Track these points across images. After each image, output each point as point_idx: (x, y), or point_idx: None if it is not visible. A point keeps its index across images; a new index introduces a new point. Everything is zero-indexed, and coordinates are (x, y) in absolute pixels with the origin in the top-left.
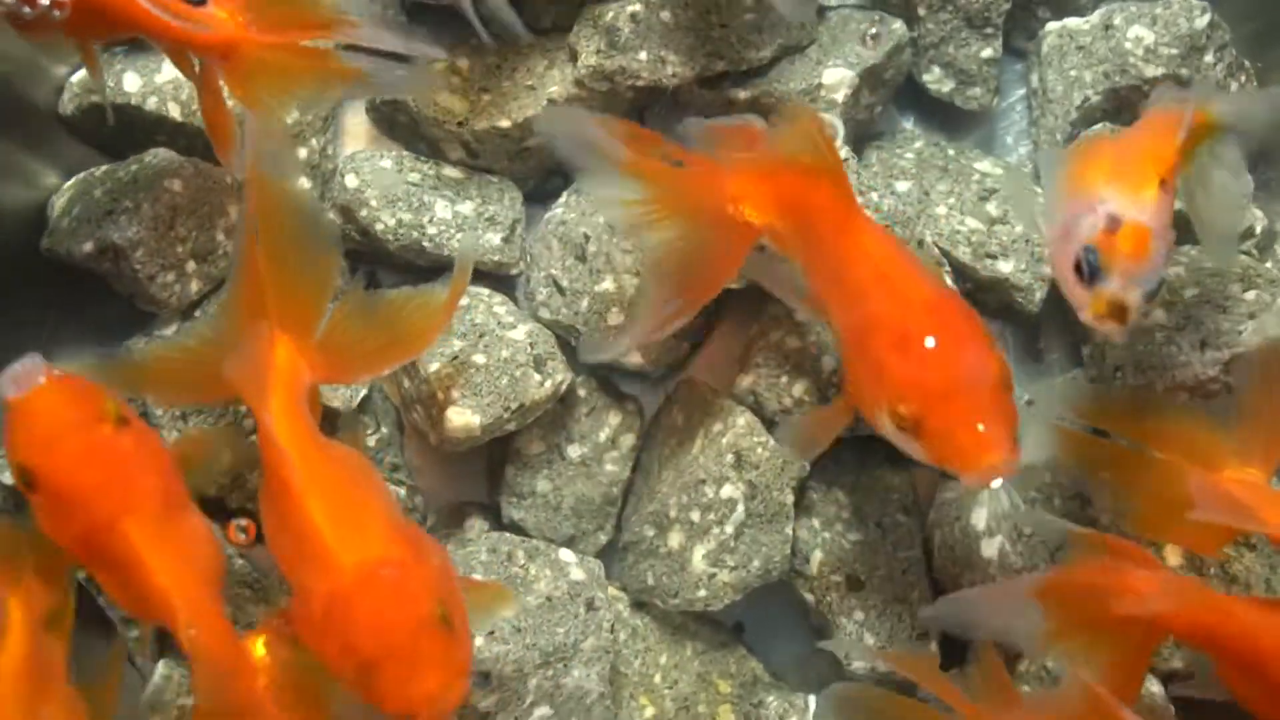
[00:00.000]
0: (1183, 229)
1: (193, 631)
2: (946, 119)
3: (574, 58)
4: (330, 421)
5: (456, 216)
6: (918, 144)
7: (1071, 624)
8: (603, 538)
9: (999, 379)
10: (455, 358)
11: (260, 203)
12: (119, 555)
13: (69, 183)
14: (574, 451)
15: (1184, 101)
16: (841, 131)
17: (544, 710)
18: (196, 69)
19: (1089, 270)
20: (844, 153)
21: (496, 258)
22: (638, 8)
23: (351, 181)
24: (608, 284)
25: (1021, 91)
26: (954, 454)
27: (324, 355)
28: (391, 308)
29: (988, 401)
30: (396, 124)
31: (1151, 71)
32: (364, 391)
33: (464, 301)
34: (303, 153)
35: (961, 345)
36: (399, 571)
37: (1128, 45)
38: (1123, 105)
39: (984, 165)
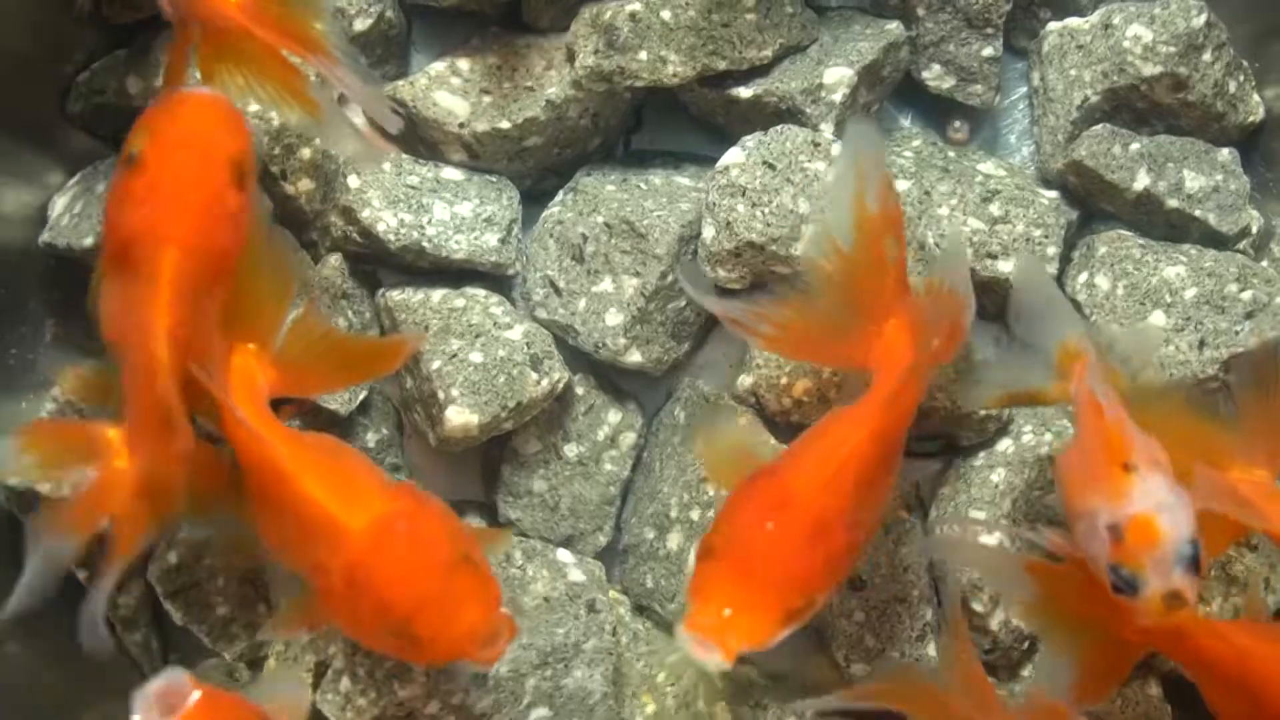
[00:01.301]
0: (1182, 229)
1: None
2: (947, 119)
3: (571, 58)
4: (333, 423)
5: (455, 218)
6: (916, 142)
7: (1058, 608)
8: (601, 539)
9: None
10: (454, 356)
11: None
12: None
13: (73, 179)
14: (571, 451)
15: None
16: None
17: (542, 711)
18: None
19: (1128, 587)
20: (835, 148)
21: (493, 258)
22: (637, 7)
23: (354, 182)
24: (605, 284)
25: (1022, 90)
26: None
27: (280, 368)
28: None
29: None
30: None
31: (1150, 70)
32: (363, 394)
33: (460, 303)
34: (305, 153)
35: None
36: (410, 522)
37: (1126, 44)
38: (1121, 104)
39: (986, 166)
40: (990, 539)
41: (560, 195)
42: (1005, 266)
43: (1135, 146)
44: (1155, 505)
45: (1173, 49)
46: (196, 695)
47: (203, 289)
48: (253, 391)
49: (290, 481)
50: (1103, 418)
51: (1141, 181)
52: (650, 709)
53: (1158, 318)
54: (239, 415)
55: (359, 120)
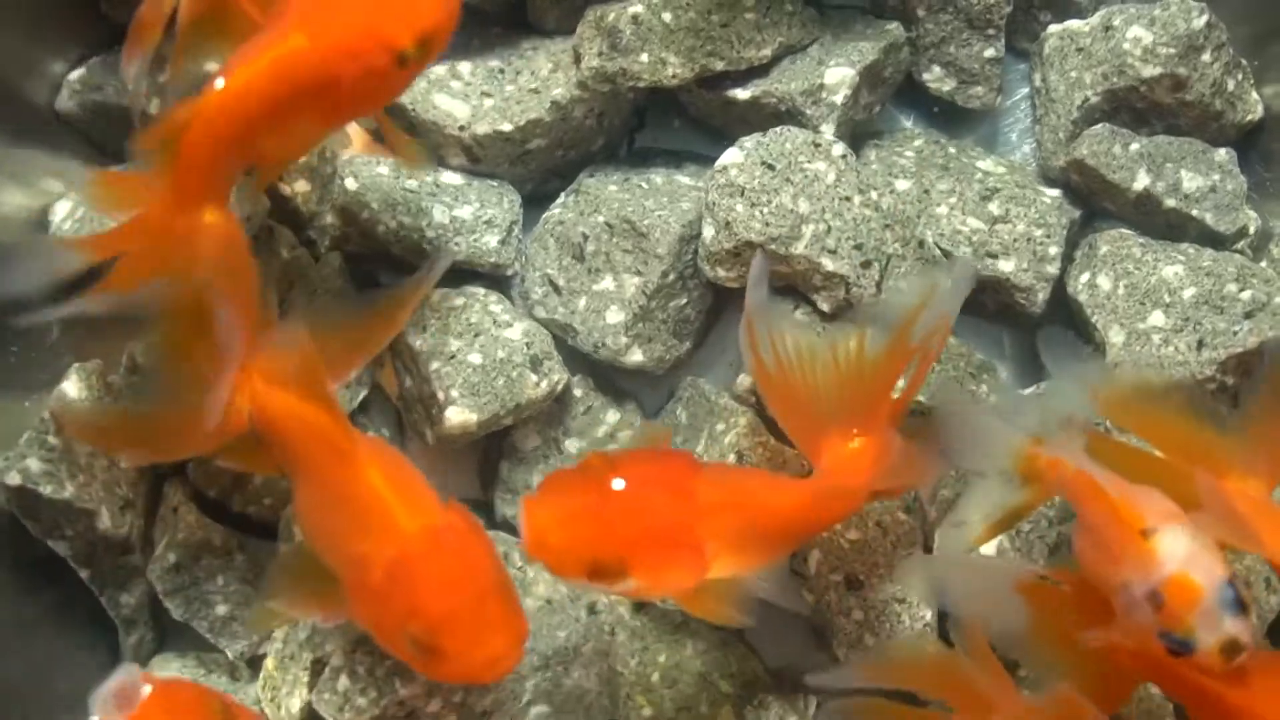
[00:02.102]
0: (1180, 228)
1: None
2: (948, 119)
3: (578, 60)
4: None
5: (454, 221)
6: (917, 142)
7: (1053, 633)
8: None
9: None
10: (453, 357)
11: None
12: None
13: None
14: (572, 446)
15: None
16: None
17: (541, 709)
18: None
19: (1184, 649)
20: (841, 149)
21: (493, 259)
22: (639, 9)
23: (351, 185)
24: (606, 283)
25: (1024, 91)
26: None
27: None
28: (336, 314)
29: None
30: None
31: (1149, 72)
32: (364, 393)
33: (459, 301)
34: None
35: None
36: (461, 538)
37: (1126, 46)
38: (1121, 105)
39: (986, 164)
40: (990, 544)
41: (562, 197)
42: (1006, 266)
43: (1135, 146)
44: (1184, 561)
45: (1172, 50)
46: (148, 689)
47: None
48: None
49: (358, 469)
50: (1103, 496)
51: (1141, 181)
52: (646, 712)
53: (1157, 318)
54: (322, 395)
55: None
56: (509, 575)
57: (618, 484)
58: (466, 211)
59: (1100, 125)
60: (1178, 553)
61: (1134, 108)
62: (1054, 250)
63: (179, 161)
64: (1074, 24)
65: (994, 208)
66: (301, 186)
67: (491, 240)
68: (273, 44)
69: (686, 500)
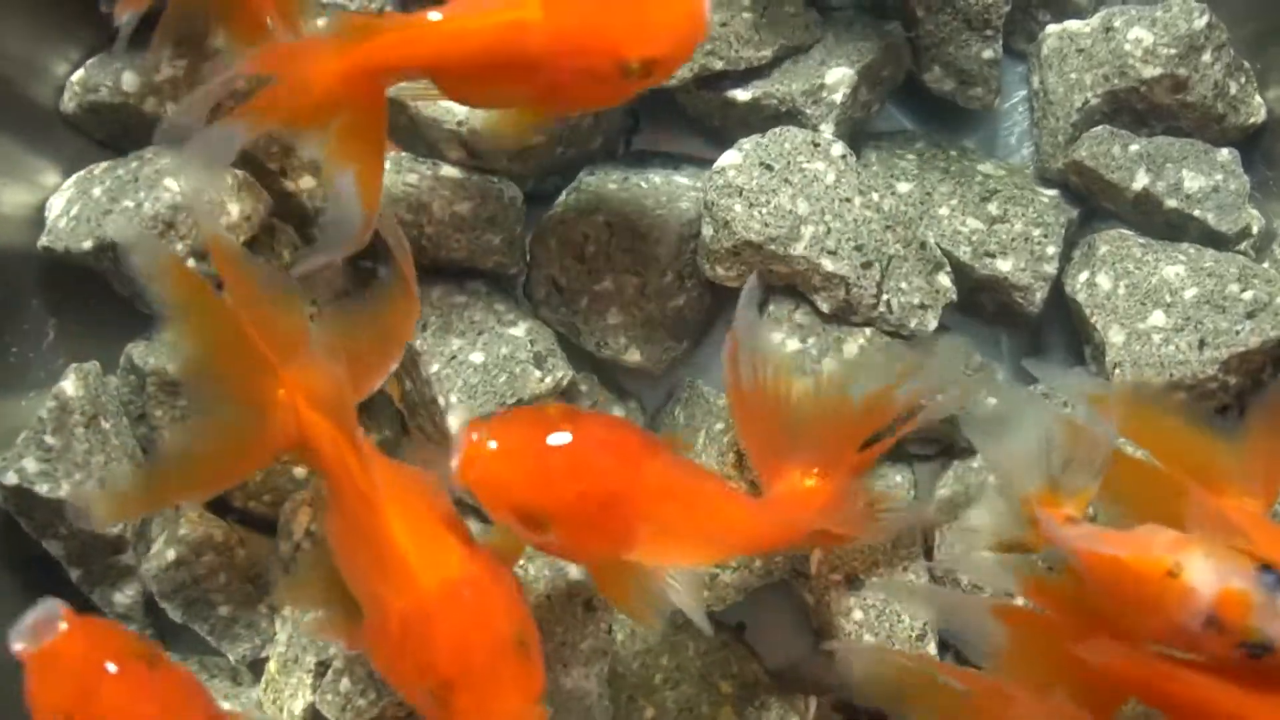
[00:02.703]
0: (1180, 228)
1: None
2: (948, 119)
3: None
4: None
5: (454, 217)
6: (919, 144)
7: (1032, 654)
8: None
9: None
10: (453, 358)
11: (225, 269)
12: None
13: (68, 181)
14: None
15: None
16: None
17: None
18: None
19: (1264, 650)
20: (840, 148)
21: (496, 257)
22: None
23: None
24: (607, 283)
25: (1023, 93)
26: None
27: (331, 364)
28: (361, 311)
29: None
30: (395, 125)
31: (1150, 72)
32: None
33: (461, 299)
34: (304, 153)
35: None
36: (479, 592)
37: (1127, 47)
38: (1121, 107)
39: (986, 166)
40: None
41: (563, 195)
42: (1004, 265)
43: (1135, 147)
44: (1219, 578)
45: (1173, 51)
46: (64, 626)
47: None
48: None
49: (376, 515)
50: (1110, 560)
51: (1141, 181)
52: (649, 713)
53: (1157, 318)
54: (335, 443)
55: None
56: (532, 626)
57: (567, 437)
58: (466, 208)
59: (1100, 127)
60: (1209, 574)
61: (1134, 109)
62: (1051, 250)
63: (363, 55)
64: (1073, 24)
65: (993, 208)
66: (307, 182)
67: (494, 239)
68: (510, 6)
69: (632, 475)
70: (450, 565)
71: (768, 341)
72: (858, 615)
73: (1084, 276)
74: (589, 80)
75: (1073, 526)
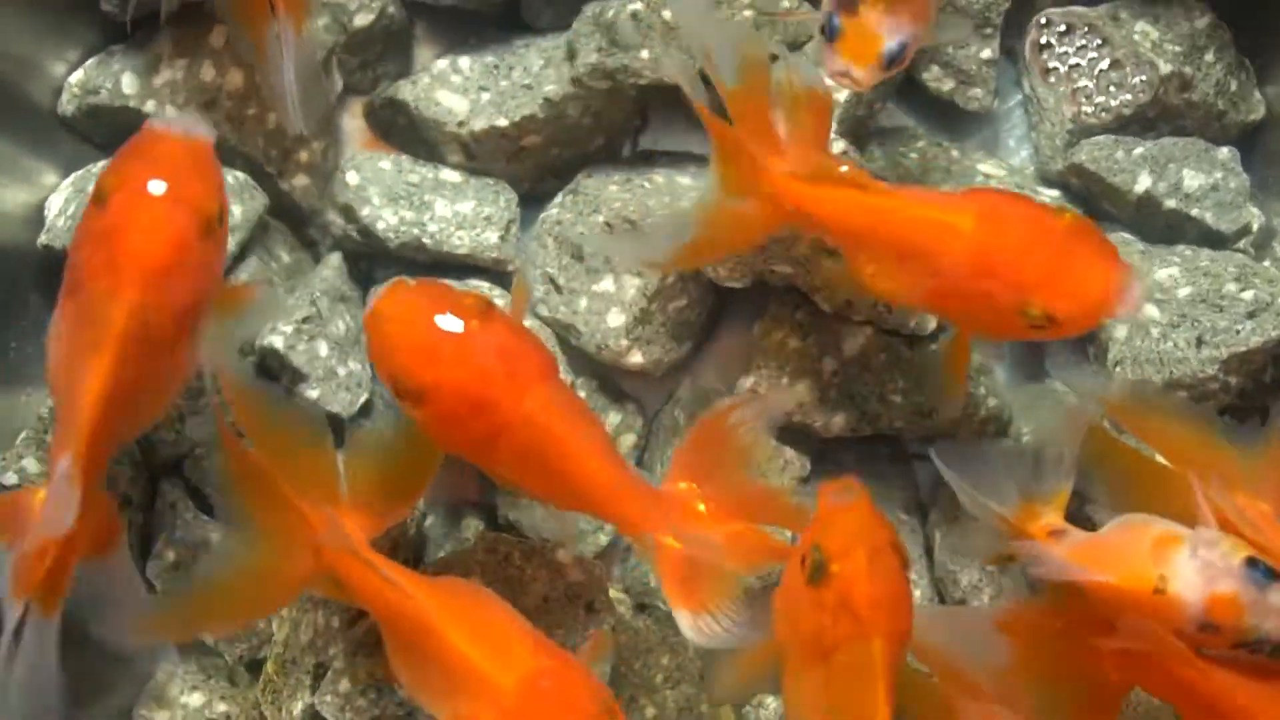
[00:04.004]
0: (1178, 229)
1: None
2: (948, 119)
3: (571, 56)
4: (334, 424)
5: (456, 215)
6: (920, 144)
7: (1038, 662)
8: (603, 538)
9: None
10: None
11: (240, 407)
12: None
13: (66, 180)
14: None
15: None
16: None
17: None
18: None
19: (1263, 645)
20: (841, 146)
21: (494, 254)
22: (639, 6)
23: (353, 179)
24: (607, 284)
25: (1020, 95)
26: None
27: (361, 511)
28: (392, 435)
29: None
30: (395, 126)
31: (1161, 69)
32: (365, 396)
33: None
34: (303, 155)
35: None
36: (557, 679)
37: (1136, 39)
38: None
39: (987, 167)
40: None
41: (560, 197)
42: None
43: (1139, 151)
44: (1205, 583)
45: (1177, 49)
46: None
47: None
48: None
49: (438, 635)
50: (1096, 585)
51: (1143, 184)
52: (650, 712)
53: (1151, 312)
54: (385, 573)
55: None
56: (609, 695)
57: (467, 326)
58: (467, 207)
59: (1103, 136)
60: (1195, 583)
61: None
62: None
63: (798, 194)
64: (1078, 8)
65: None
66: (301, 180)
67: (492, 236)
68: (947, 207)
69: (513, 391)
70: (521, 661)
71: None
72: None
73: None
74: (985, 303)
75: (1055, 545)
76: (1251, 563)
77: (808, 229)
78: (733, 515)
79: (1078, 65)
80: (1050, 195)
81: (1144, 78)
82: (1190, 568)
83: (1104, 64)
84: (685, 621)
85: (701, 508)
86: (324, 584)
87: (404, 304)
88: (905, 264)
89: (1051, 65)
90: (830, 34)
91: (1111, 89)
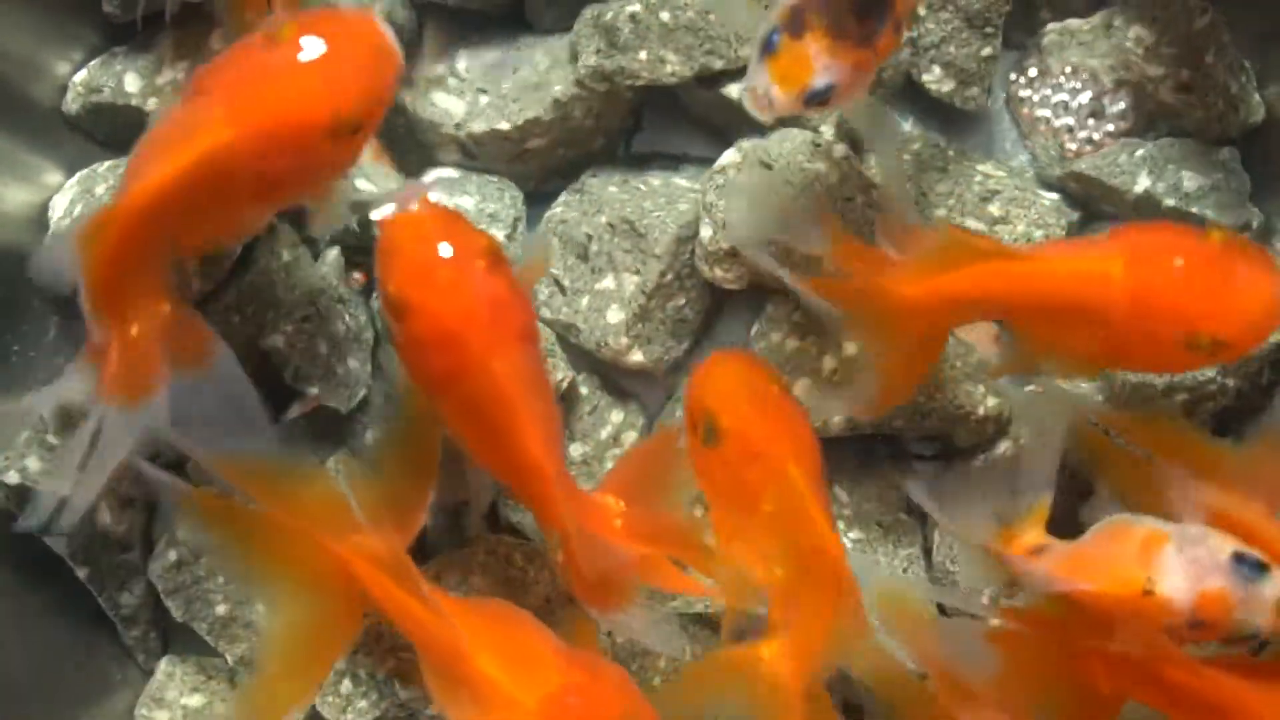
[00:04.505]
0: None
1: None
2: (946, 121)
3: (574, 58)
4: (333, 423)
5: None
6: (916, 145)
7: (1026, 676)
8: None
9: None
10: None
11: (241, 481)
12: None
13: (71, 180)
14: (575, 450)
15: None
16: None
17: None
18: None
19: (1253, 640)
20: (841, 149)
21: None
22: (637, 7)
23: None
24: (608, 281)
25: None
26: None
27: (382, 531)
28: (387, 450)
29: None
30: (392, 128)
31: (1153, 71)
32: (363, 391)
33: None
34: None
35: None
36: (585, 696)
37: (1129, 45)
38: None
39: (986, 168)
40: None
41: (564, 196)
42: None
43: (1140, 153)
44: (1193, 583)
45: (1175, 50)
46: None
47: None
48: (400, 568)
49: (464, 657)
50: (1092, 595)
51: (1143, 184)
52: None
53: None
54: (414, 599)
55: None
56: (640, 700)
57: (473, 262)
58: (468, 203)
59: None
60: (1182, 583)
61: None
62: None
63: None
64: (1073, 23)
65: (994, 209)
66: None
67: (498, 235)
68: (1092, 256)
69: (486, 342)
70: (547, 679)
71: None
72: None
73: None
74: (1152, 344)
75: (1040, 560)
76: (1239, 557)
77: (969, 316)
78: (644, 539)
79: (1062, 103)
80: (1050, 198)
81: (1123, 105)
82: (1177, 566)
83: (1084, 97)
84: (596, 614)
85: (618, 524)
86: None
87: (423, 221)
88: (1069, 327)
89: (1040, 114)
90: (767, 48)
91: (1092, 121)
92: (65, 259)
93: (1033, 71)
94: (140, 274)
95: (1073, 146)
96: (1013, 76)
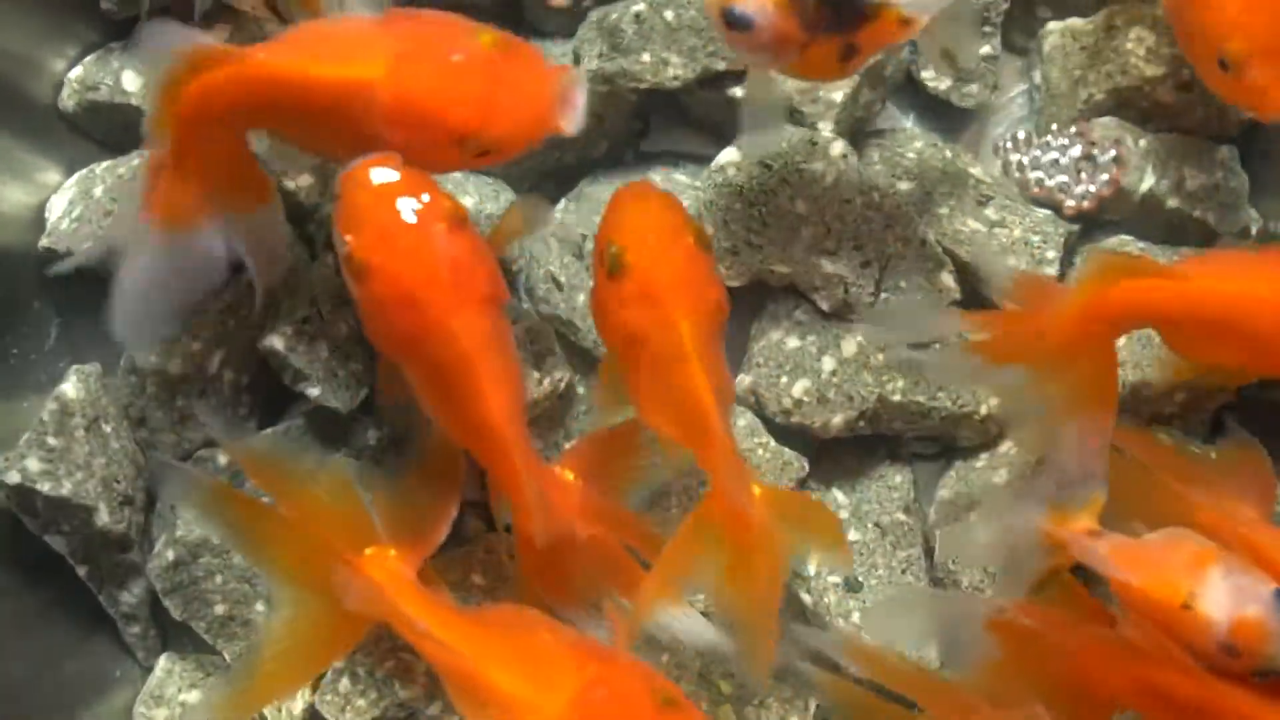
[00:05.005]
0: (1181, 229)
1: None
2: (943, 117)
3: (576, 62)
4: (334, 422)
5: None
6: (918, 143)
7: (1023, 669)
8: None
9: None
10: None
11: (258, 475)
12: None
13: (69, 181)
14: None
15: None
16: None
17: None
18: None
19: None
20: (840, 148)
21: (497, 254)
22: (641, 8)
23: None
24: None
25: (1018, 89)
26: None
27: (403, 545)
28: (408, 469)
29: None
30: None
31: (1153, 71)
32: (364, 391)
33: None
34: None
35: None
36: (610, 687)
37: (1129, 45)
38: (1124, 104)
39: (977, 171)
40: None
41: (563, 202)
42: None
43: (1143, 143)
44: (1233, 607)
45: (1176, 49)
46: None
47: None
48: (410, 588)
49: (479, 677)
50: (1135, 590)
51: (1147, 182)
52: None
53: None
54: (417, 624)
55: None
56: (668, 687)
57: (435, 224)
58: (468, 203)
59: (1107, 118)
60: (1223, 605)
61: (1138, 107)
62: (1052, 254)
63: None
64: (1074, 22)
65: (990, 213)
66: (305, 180)
67: None
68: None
69: (451, 303)
70: (568, 680)
71: None
72: (856, 617)
73: None
74: None
75: (1097, 541)
76: (1271, 589)
77: (1125, 327)
78: (598, 519)
79: (1054, 161)
80: (1042, 213)
81: (1113, 154)
82: (1222, 588)
83: (1075, 151)
84: (540, 594)
85: (569, 475)
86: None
87: (382, 182)
88: (1227, 340)
89: (1033, 176)
90: None
91: (1083, 174)
92: (168, 53)
93: (1021, 134)
94: (221, 120)
95: (1071, 203)
96: (1006, 143)
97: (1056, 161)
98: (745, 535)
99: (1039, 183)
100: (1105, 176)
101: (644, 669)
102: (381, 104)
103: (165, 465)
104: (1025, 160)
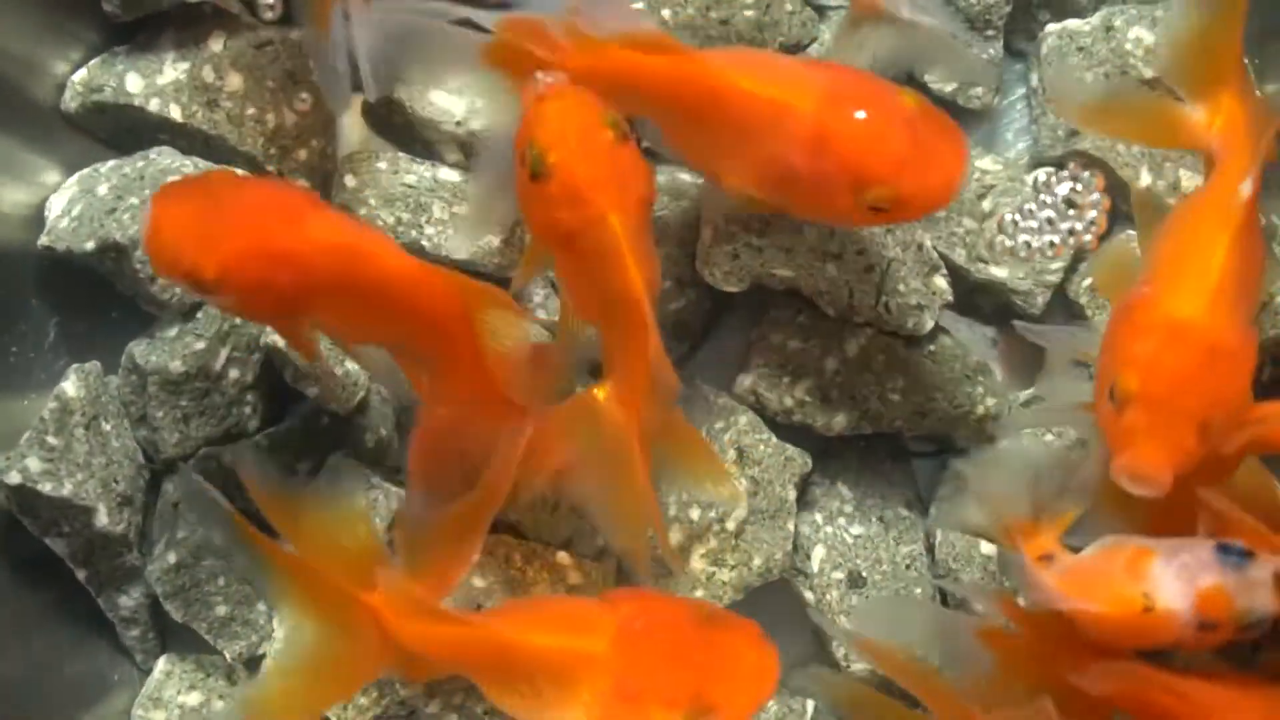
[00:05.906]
0: None
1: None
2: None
3: None
4: (335, 423)
5: (454, 218)
6: None
7: (1015, 677)
8: (601, 539)
9: None
10: None
11: (270, 510)
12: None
13: (70, 180)
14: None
15: None
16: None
17: None
18: None
19: (1262, 626)
20: None
21: (496, 259)
22: (640, 7)
23: (350, 182)
24: None
25: (1021, 91)
26: None
27: (421, 578)
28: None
29: None
30: (392, 125)
31: (1151, 73)
32: (361, 394)
33: None
34: (302, 154)
35: None
36: (644, 616)
37: (1128, 46)
38: None
39: (984, 163)
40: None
41: None
42: (1000, 272)
43: (1135, 148)
44: (1188, 588)
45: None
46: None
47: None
48: (419, 613)
49: (520, 648)
50: (1093, 616)
51: (1144, 181)
52: None
53: None
54: (448, 630)
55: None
56: (713, 605)
57: (224, 199)
58: (466, 209)
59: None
60: (1178, 591)
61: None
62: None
63: None
64: (1073, 23)
65: (986, 205)
66: (301, 184)
67: (495, 241)
68: None
69: (294, 228)
70: (605, 622)
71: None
72: None
73: (1087, 281)
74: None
75: (1045, 571)
76: (1223, 548)
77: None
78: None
79: (1049, 220)
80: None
81: (1095, 196)
82: (1168, 576)
83: (1062, 191)
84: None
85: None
86: (395, 664)
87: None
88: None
89: (1021, 241)
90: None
91: (1072, 212)
92: None
93: (1008, 217)
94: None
95: (1055, 241)
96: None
97: (1047, 218)
98: (645, 428)
99: (1026, 246)
100: (1094, 214)
101: (675, 597)
102: (807, 131)
103: (194, 492)
104: (1016, 228)
